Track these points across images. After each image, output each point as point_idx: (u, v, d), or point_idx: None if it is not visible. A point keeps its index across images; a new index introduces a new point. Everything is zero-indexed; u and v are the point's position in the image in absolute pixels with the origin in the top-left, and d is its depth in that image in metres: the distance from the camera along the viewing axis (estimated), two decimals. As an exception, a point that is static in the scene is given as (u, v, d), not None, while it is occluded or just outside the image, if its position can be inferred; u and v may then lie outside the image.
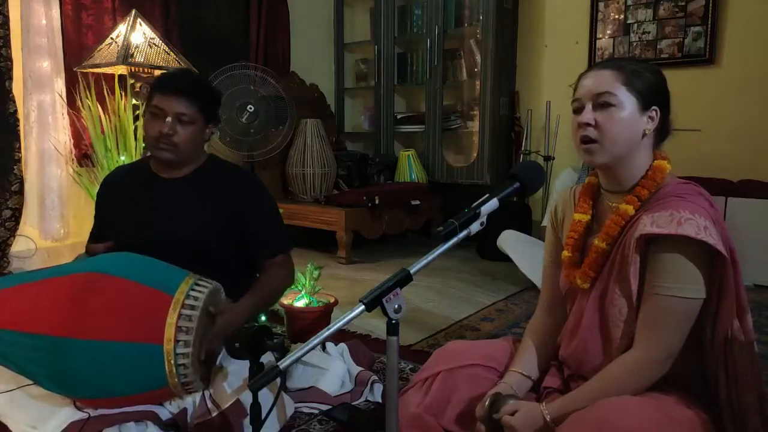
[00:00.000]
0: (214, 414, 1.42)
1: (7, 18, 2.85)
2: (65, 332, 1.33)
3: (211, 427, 1.42)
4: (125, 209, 1.71)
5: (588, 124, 1.19)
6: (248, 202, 1.70)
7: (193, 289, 1.42)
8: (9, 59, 2.86)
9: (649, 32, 3.72)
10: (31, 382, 1.45)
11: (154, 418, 1.41)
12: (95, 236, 1.78)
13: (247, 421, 1.31)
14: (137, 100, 2.92)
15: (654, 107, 1.20)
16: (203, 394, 1.46)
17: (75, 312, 1.35)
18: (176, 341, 1.35)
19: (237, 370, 1.49)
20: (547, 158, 3.97)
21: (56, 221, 3.12)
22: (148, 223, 1.65)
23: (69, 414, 1.38)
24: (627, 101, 1.18)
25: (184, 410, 1.46)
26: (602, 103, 1.18)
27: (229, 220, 1.67)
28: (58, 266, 1.54)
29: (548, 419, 1.16)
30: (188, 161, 1.70)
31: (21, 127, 2.93)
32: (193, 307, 1.39)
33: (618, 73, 1.18)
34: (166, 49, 2.97)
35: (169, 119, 1.61)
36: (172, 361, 1.34)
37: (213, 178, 1.72)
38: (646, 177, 1.20)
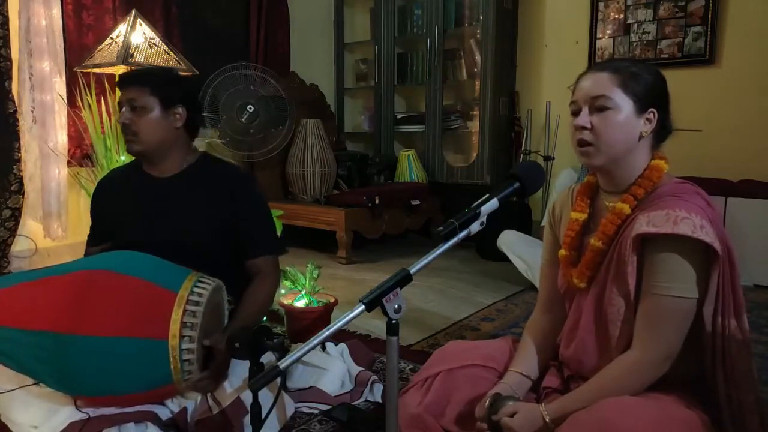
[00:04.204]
0: (215, 412, 1.43)
1: (6, 18, 2.85)
2: (69, 329, 1.33)
3: (212, 425, 1.42)
4: (120, 210, 1.70)
5: (584, 128, 1.19)
6: (242, 202, 1.69)
7: (196, 286, 1.42)
8: (9, 59, 2.87)
9: (649, 32, 3.72)
10: (32, 381, 1.46)
11: (154, 419, 1.41)
12: (93, 239, 1.78)
13: (247, 419, 1.32)
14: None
15: (651, 109, 1.20)
16: None
17: (78, 309, 1.35)
18: (181, 337, 1.35)
19: (237, 369, 1.49)
20: (547, 158, 3.97)
21: (56, 221, 3.12)
22: (142, 224, 1.65)
23: (69, 414, 1.38)
24: (623, 104, 1.18)
25: (184, 409, 1.46)
26: (598, 106, 1.18)
27: (223, 219, 1.66)
28: (59, 264, 1.54)
29: (548, 420, 1.16)
30: (163, 153, 1.67)
31: (21, 127, 2.93)
32: (197, 303, 1.39)
33: (615, 76, 1.18)
34: (166, 49, 2.97)
35: (124, 109, 1.62)
36: (177, 357, 1.34)
37: (206, 176, 1.71)
38: (642, 176, 1.21)
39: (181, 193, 1.67)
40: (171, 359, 1.35)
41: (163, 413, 1.46)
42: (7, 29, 2.86)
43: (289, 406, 1.61)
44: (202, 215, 1.65)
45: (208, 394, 1.46)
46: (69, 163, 3.15)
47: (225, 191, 1.68)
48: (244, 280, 1.70)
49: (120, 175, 1.81)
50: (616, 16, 3.84)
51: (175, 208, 1.66)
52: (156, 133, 1.63)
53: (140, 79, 1.64)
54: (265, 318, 2.41)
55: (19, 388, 1.46)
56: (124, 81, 1.65)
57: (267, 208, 1.79)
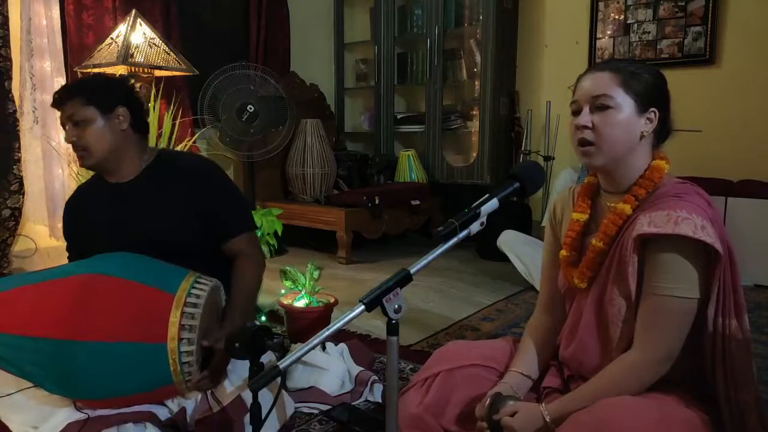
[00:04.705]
0: (216, 410, 1.44)
1: (6, 18, 2.85)
2: (68, 335, 1.33)
3: (213, 423, 1.43)
4: (92, 225, 1.67)
5: (585, 127, 1.19)
6: (213, 192, 1.66)
7: (194, 288, 1.42)
8: (8, 59, 2.87)
9: (649, 32, 3.73)
10: (30, 384, 1.46)
11: (153, 419, 1.41)
12: (72, 257, 1.75)
13: (247, 417, 1.32)
14: (137, 100, 2.91)
15: (652, 109, 1.20)
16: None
17: (77, 314, 1.35)
18: (180, 339, 1.36)
19: (237, 368, 1.49)
20: (547, 158, 3.97)
21: (58, 221, 3.12)
22: (116, 233, 1.61)
23: (68, 414, 1.38)
24: (624, 103, 1.18)
25: (183, 410, 1.46)
26: (599, 105, 1.18)
27: (197, 212, 1.63)
28: (56, 268, 1.54)
29: (548, 420, 1.16)
30: (118, 158, 1.63)
31: (21, 127, 2.93)
32: (195, 305, 1.39)
33: (615, 75, 1.18)
34: (166, 49, 2.97)
35: (68, 128, 1.59)
36: (177, 359, 1.35)
37: (170, 172, 1.67)
38: (643, 177, 1.21)
39: (147, 194, 1.64)
40: (170, 362, 1.35)
41: (162, 413, 1.46)
42: (7, 29, 2.86)
43: (289, 405, 1.61)
44: (175, 212, 1.62)
45: (208, 393, 1.47)
46: (71, 163, 3.15)
47: (194, 185, 1.64)
48: (226, 272, 1.67)
49: (85, 191, 1.77)
50: (616, 16, 3.84)
51: (145, 209, 1.63)
52: (105, 142, 1.59)
53: (72, 92, 1.60)
54: (264, 318, 2.41)
55: (18, 391, 1.45)
56: (58, 100, 1.61)
57: (236, 189, 1.76)
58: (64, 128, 1.61)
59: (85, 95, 1.58)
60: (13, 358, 1.40)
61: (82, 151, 1.60)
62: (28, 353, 1.37)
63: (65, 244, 1.79)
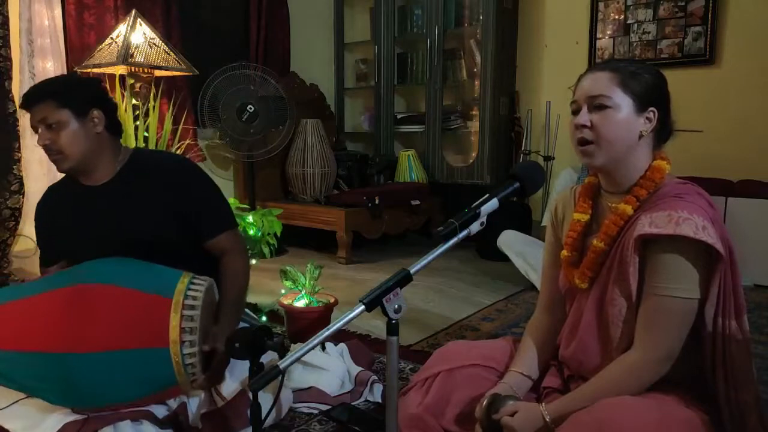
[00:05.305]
0: (220, 404, 1.46)
1: (6, 18, 2.85)
2: (68, 348, 1.32)
3: (218, 417, 1.44)
4: (69, 228, 1.63)
5: (584, 126, 1.20)
6: (192, 190, 1.64)
7: (190, 289, 1.42)
8: (8, 59, 2.87)
9: (649, 32, 3.73)
10: (24, 396, 1.44)
11: (150, 417, 1.41)
12: (46, 261, 1.70)
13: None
14: (137, 100, 2.91)
15: (651, 109, 1.20)
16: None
17: (75, 326, 1.34)
18: (182, 342, 1.36)
19: (239, 362, 1.49)
20: (547, 158, 3.97)
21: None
22: (97, 235, 1.58)
23: (65, 414, 1.38)
24: (623, 103, 1.18)
25: (184, 404, 1.48)
26: (598, 105, 1.19)
27: (174, 210, 1.61)
28: (47, 279, 1.51)
29: (548, 420, 1.16)
30: (94, 161, 1.60)
31: (21, 127, 2.93)
32: (193, 307, 1.40)
33: (614, 75, 1.19)
34: (166, 49, 2.97)
35: (40, 131, 1.55)
36: (180, 362, 1.36)
37: (144, 172, 1.64)
38: (644, 177, 1.21)
39: (125, 196, 1.61)
40: (174, 365, 1.35)
41: (160, 412, 1.46)
42: (8, 29, 2.86)
43: (286, 399, 1.62)
44: (154, 212, 1.60)
45: (212, 389, 1.48)
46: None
47: (174, 185, 1.62)
48: (215, 265, 1.67)
49: (58, 193, 1.72)
50: (616, 16, 3.84)
51: (124, 211, 1.60)
52: (80, 145, 1.55)
53: (44, 95, 1.54)
54: (264, 318, 2.41)
55: (14, 402, 1.44)
56: (29, 102, 1.54)
57: (215, 187, 1.73)
58: (36, 131, 1.56)
59: (58, 98, 1.53)
60: (11, 373, 1.38)
61: (56, 155, 1.55)
62: (27, 368, 1.36)
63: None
